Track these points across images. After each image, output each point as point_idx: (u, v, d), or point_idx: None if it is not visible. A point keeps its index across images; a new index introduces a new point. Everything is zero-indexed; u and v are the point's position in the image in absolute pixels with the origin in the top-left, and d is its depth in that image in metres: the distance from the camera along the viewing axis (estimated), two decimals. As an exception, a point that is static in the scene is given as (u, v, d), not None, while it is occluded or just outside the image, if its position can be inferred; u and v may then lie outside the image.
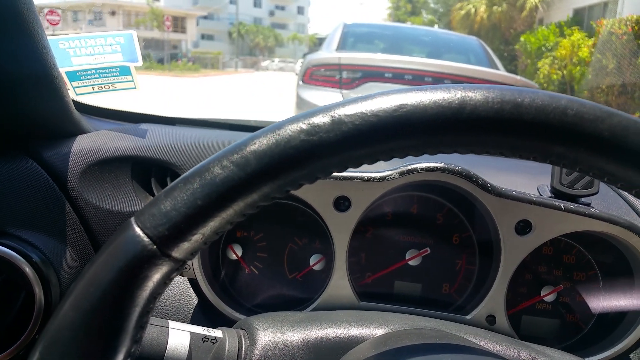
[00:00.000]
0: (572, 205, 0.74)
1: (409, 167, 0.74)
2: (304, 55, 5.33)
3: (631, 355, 0.81)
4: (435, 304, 0.82)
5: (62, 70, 0.88)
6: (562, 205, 0.73)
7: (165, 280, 0.35)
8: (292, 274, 0.83)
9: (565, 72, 12.96)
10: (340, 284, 0.77)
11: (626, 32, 10.93)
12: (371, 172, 0.74)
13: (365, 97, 0.35)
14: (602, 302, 0.81)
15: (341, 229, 0.76)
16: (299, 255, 0.83)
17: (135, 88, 0.97)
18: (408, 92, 0.34)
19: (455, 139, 0.34)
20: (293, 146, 0.33)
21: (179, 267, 0.35)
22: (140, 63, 0.93)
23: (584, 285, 0.82)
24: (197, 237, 0.34)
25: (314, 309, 0.76)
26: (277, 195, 0.35)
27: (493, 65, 4.62)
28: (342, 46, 4.74)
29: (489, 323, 0.76)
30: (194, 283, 0.75)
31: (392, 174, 0.74)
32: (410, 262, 0.82)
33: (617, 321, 0.78)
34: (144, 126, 0.96)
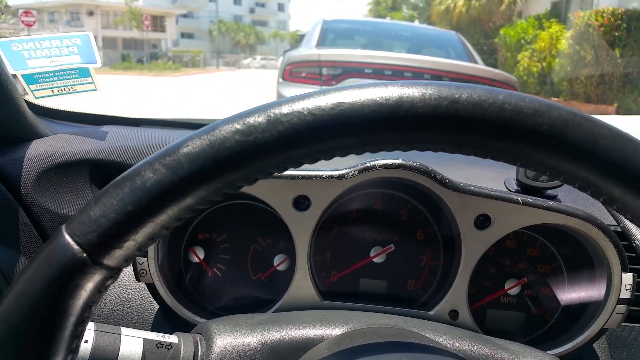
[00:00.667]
0: (529, 199, 0.74)
1: (367, 165, 0.73)
2: (284, 52, 5.32)
3: (595, 346, 0.82)
4: (400, 300, 0.82)
5: (19, 73, 0.86)
6: (519, 198, 0.73)
7: (100, 289, 0.34)
8: (256, 275, 0.82)
9: (544, 64, 13.07)
10: (302, 284, 0.76)
11: (602, 23, 11.07)
12: (330, 171, 0.73)
13: (303, 95, 0.34)
14: (566, 294, 0.82)
15: (302, 229, 0.75)
16: (263, 255, 0.82)
17: (96, 90, 0.95)
18: (345, 90, 0.33)
19: (394, 137, 0.33)
20: (228, 147, 0.32)
21: (114, 274, 0.34)
22: (99, 64, 0.92)
23: (548, 278, 0.82)
24: (129, 244, 0.33)
25: (277, 310, 0.76)
26: (214, 198, 0.34)
27: (472, 60, 4.63)
28: (321, 43, 4.73)
29: (452, 318, 0.76)
30: (152, 288, 0.74)
31: (351, 172, 0.73)
32: (375, 260, 0.81)
33: (581, 313, 0.79)
34: (105, 128, 0.94)
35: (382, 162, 0.73)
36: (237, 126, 0.33)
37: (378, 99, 0.33)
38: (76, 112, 1.04)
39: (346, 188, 0.75)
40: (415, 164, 0.73)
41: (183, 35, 54.29)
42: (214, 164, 0.32)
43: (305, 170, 0.73)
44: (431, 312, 0.76)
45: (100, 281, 0.33)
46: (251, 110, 0.34)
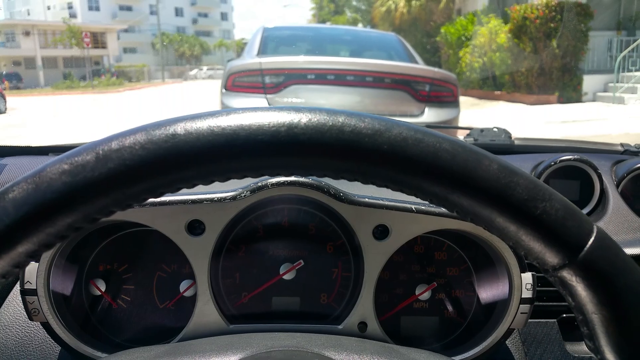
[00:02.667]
0: (422, 206, 0.75)
1: (259, 184, 0.72)
2: (227, 61, 5.28)
3: (509, 344, 0.83)
4: (314, 316, 0.81)
5: None
6: (413, 207, 0.74)
7: None
8: (163, 303, 0.80)
9: (485, 59, 13.38)
10: (206, 310, 0.74)
11: (538, 16, 11.42)
12: (221, 193, 0.72)
13: (136, 129, 0.32)
14: (477, 294, 0.82)
15: (199, 254, 0.73)
16: (169, 282, 0.79)
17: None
18: (181, 122, 0.32)
19: (237, 165, 0.33)
20: (55, 190, 0.31)
21: None
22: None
23: (458, 280, 0.83)
24: None
25: (182, 339, 0.74)
26: (53, 242, 0.32)
27: (412, 60, 4.67)
28: (263, 51, 4.69)
29: (361, 330, 0.76)
30: (47, 327, 0.70)
31: (243, 193, 0.72)
32: (285, 277, 0.79)
33: (490, 314, 0.79)
34: (4, 160, 0.88)
35: (274, 180, 0.72)
36: (65, 166, 0.31)
37: (215, 128, 0.32)
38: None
39: (246, 207, 0.74)
40: (307, 180, 0.72)
41: (125, 50, 53.44)
42: (42, 208, 0.31)
43: (196, 194, 0.70)
44: (340, 326, 0.76)
45: None
46: (80, 149, 0.32)
